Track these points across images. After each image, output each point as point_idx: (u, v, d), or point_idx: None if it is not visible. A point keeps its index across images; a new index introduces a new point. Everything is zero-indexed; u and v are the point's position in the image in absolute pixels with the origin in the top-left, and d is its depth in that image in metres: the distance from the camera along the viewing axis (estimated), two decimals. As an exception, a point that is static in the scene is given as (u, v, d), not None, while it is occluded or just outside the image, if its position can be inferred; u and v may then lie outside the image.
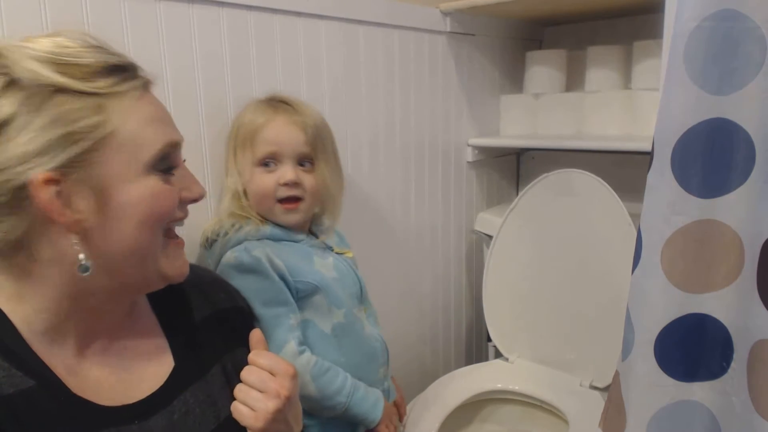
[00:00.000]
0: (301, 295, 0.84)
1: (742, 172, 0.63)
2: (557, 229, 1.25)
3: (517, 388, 1.23)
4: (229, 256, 0.82)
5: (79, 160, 0.49)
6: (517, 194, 1.31)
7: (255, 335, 0.65)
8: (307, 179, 0.85)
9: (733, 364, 0.66)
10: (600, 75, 1.33)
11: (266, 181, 0.84)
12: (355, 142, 1.14)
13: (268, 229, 0.85)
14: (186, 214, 0.59)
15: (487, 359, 1.49)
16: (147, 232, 0.54)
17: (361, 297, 0.93)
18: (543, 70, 1.42)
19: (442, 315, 1.47)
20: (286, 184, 0.83)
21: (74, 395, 0.53)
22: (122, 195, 0.52)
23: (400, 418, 1.05)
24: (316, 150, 0.85)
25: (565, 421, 1.12)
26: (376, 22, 1.13)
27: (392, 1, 1.16)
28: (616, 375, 0.76)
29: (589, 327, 1.22)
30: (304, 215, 0.87)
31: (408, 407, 1.14)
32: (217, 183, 0.91)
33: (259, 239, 0.84)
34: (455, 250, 1.47)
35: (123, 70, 0.53)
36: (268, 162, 0.84)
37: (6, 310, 0.52)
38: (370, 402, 0.87)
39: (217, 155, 0.91)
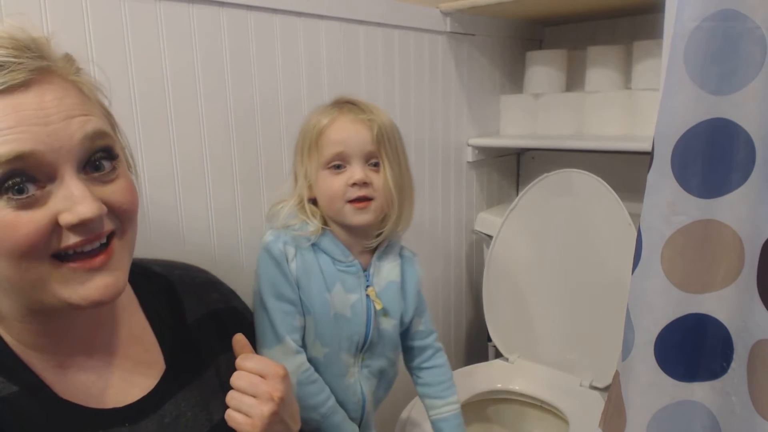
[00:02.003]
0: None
1: (742, 172, 0.63)
2: (557, 229, 1.25)
3: (517, 388, 1.23)
4: (268, 235, 0.82)
5: None
6: (517, 194, 1.31)
7: (238, 339, 0.62)
8: (377, 179, 0.81)
9: (733, 364, 0.66)
10: (600, 75, 1.33)
11: (335, 182, 0.80)
12: (355, 142, 1.14)
13: (319, 238, 0.83)
14: (78, 241, 0.47)
15: (487, 359, 1.49)
16: (7, 265, 0.46)
17: (363, 348, 0.87)
18: (543, 70, 1.42)
19: (442, 315, 1.47)
20: (355, 184, 0.80)
21: (61, 399, 0.52)
22: None
23: None
24: (383, 149, 0.82)
25: (565, 421, 1.12)
26: (376, 22, 1.13)
27: (392, 1, 1.16)
28: (616, 375, 0.76)
29: (589, 327, 1.22)
30: (374, 215, 0.82)
31: (408, 407, 1.14)
32: (217, 183, 0.92)
33: (304, 236, 0.82)
34: (455, 250, 1.47)
35: None
36: (337, 164, 0.81)
37: None
38: None
39: (217, 155, 0.91)
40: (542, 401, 1.20)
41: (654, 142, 0.65)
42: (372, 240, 0.86)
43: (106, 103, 0.55)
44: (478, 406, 1.25)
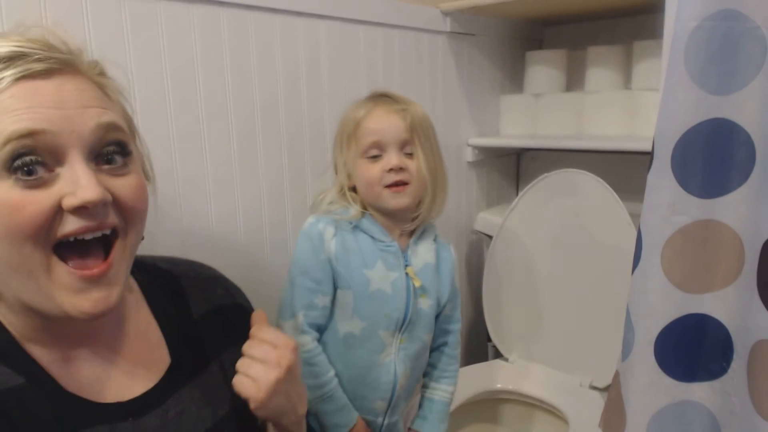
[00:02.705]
0: (338, 285, 0.86)
1: (742, 172, 0.63)
2: (557, 229, 1.25)
3: (517, 388, 1.23)
4: (310, 218, 0.88)
5: None
6: (517, 194, 1.31)
7: (257, 314, 0.64)
8: (412, 165, 0.86)
9: (733, 365, 0.66)
10: (600, 75, 1.33)
11: (373, 169, 0.85)
12: (355, 141, 1.14)
13: (359, 221, 0.88)
14: (79, 227, 0.47)
15: (487, 359, 1.49)
16: (10, 248, 0.45)
17: (403, 326, 0.89)
18: (543, 70, 1.42)
19: (442, 315, 1.47)
20: (391, 170, 0.84)
21: (66, 392, 0.52)
22: None
23: None
24: (416, 137, 0.87)
25: (565, 421, 1.12)
26: (376, 21, 1.13)
27: (392, 0, 1.16)
28: (616, 375, 0.76)
29: (589, 327, 1.22)
30: (410, 198, 0.87)
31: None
32: (219, 182, 0.91)
33: (345, 220, 0.87)
34: (455, 250, 1.46)
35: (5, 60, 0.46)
36: (374, 154, 0.85)
37: None
38: (333, 422, 0.86)
39: (216, 154, 0.91)
40: (542, 401, 1.20)
41: (654, 142, 0.65)
42: (408, 223, 0.91)
43: (128, 108, 0.56)
44: (478, 406, 1.25)
